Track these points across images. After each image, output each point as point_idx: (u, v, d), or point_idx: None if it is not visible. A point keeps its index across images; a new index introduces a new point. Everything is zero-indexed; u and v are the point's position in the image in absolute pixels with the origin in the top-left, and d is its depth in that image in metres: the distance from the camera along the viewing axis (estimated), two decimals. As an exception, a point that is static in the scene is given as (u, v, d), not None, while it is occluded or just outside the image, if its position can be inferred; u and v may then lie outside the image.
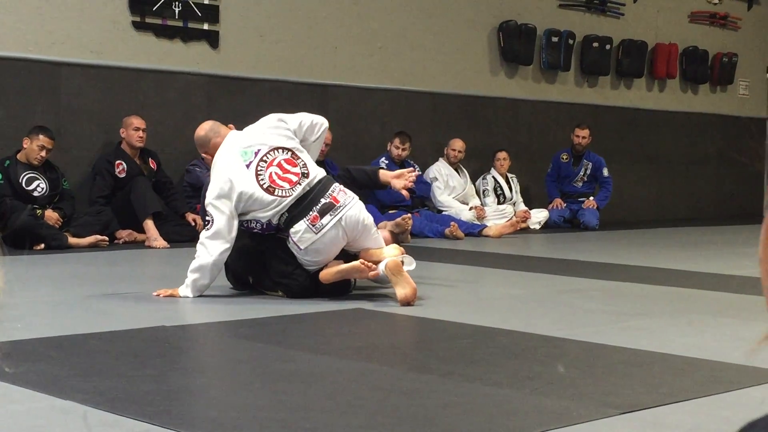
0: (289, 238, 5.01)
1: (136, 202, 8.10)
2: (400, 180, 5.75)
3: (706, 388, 3.24)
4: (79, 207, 8.19)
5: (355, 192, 5.64)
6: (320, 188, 5.09)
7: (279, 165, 5.05)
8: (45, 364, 3.36)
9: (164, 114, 8.99)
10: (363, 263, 5.01)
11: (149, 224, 8.00)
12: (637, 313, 4.91)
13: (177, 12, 9.05)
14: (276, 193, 5.01)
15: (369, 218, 5.20)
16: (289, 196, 5.01)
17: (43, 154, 7.80)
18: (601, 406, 2.92)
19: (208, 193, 5.03)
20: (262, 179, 5.01)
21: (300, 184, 5.05)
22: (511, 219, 10.37)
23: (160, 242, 7.89)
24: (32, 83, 8.29)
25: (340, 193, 5.13)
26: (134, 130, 8.41)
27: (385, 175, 5.80)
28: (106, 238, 7.87)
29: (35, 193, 7.82)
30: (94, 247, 7.68)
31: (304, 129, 5.30)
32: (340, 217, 5.03)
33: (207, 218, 5.01)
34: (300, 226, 4.99)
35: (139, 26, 8.86)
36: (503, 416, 2.81)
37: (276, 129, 5.21)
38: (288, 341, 4.20)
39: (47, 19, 8.35)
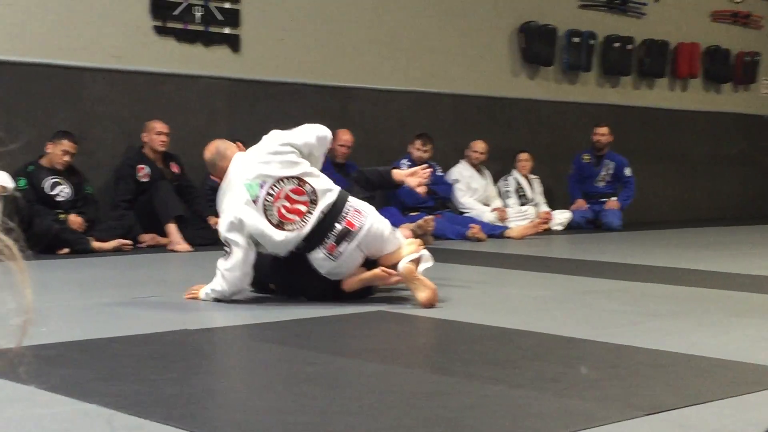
0: (308, 258, 4.99)
1: (158, 206, 8.14)
2: (414, 177, 5.70)
3: (731, 389, 3.22)
4: (103, 211, 8.23)
5: (371, 192, 5.65)
6: (333, 212, 4.94)
7: (286, 197, 4.90)
8: (69, 368, 3.38)
9: (186, 118, 9.02)
10: (383, 270, 4.99)
11: (172, 228, 8.03)
12: (661, 314, 4.88)
13: (198, 16, 9.08)
14: (287, 228, 4.88)
15: (386, 227, 5.10)
16: (301, 229, 4.89)
17: (67, 158, 7.84)
18: (625, 408, 2.91)
19: (220, 225, 4.96)
20: (271, 215, 4.87)
21: (311, 213, 4.90)
22: (533, 220, 10.34)
23: (183, 246, 7.91)
24: (55, 89, 8.33)
25: (354, 215, 4.97)
26: (157, 134, 8.44)
27: (398, 173, 5.73)
28: (130, 242, 7.91)
29: (59, 198, 7.86)
30: (117, 251, 7.71)
31: (311, 146, 5.12)
32: (358, 242, 4.97)
33: (225, 248, 4.93)
34: (317, 254, 4.93)
35: (160, 31, 8.90)
36: (527, 418, 2.80)
37: (280, 156, 4.99)
38: (311, 344, 4.20)
39: (69, 25, 8.40)
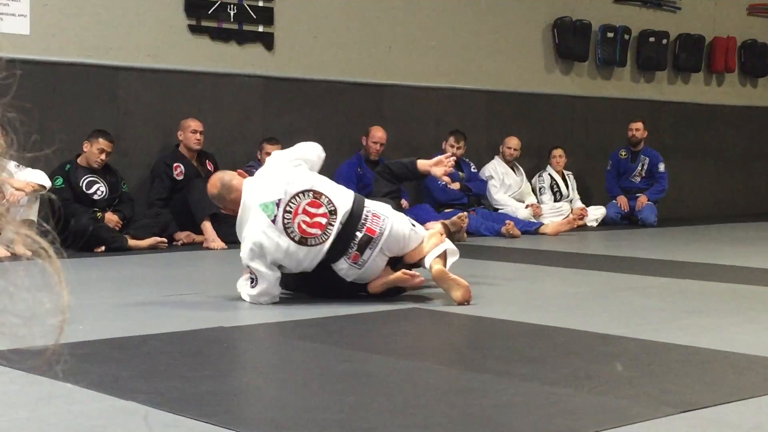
0: (333, 268, 4.99)
1: (193, 204, 8.18)
2: (438, 167, 5.69)
3: (767, 386, 3.20)
4: (138, 209, 8.29)
5: (397, 184, 5.68)
6: (353, 221, 4.89)
7: (305, 212, 4.83)
8: (106, 365, 3.41)
9: (220, 116, 9.06)
10: (404, 273, 4.98)
11: (207, 226, 8.07)
12: (697, 311, 4.86)
13: (232, 15, 9.12)
14: (309, 243, 4.83)
15: (406, 226, 5.05)
16: (324, 242, 4.86)
17: (103, 157, 7.91)
18: (659, 405, 2.89)
19: (242, 253, 4.88)
20: (292, 232, 4.81)
21: (332, 225, 4.85)
22: (567, 216, 10.30)
23: (218, 243, 7.95)
24: (91, 88, 8.40)
25: (373, 221, 4.92)
26: (192, 132, 8.49)
27: (423, 164, 5.70)
28: (165, 240, 7.96)
29: (95, 197, 7.93)
30: (153, 249, 7.76)
31: (313, 163, 5.10)
32: (381, 247, 4.94)
33: (250, 276, 4.87)
34: (342, 264, 4.92)
35: (194, 29, 8.95)
36: (561, 415, 2.79)
37: (291, 171, 4.93)
38: (345, 341, 4.21)
39: (105, 24, 8.46)
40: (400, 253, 5.06)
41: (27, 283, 0.61)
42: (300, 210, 4.82)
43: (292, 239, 4.81)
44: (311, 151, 5.16)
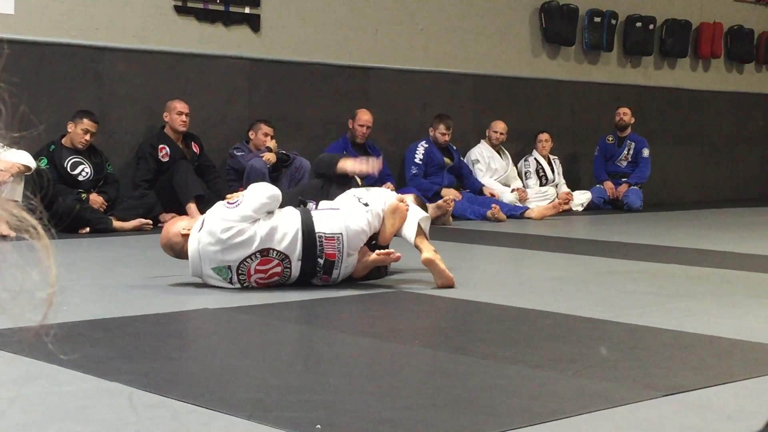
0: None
1: (178, 186, 8.17)
2: (355, 164, 5.69)
3: (750, 370, 3.22)
4: (123, 191, 8.27)
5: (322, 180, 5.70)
6: (309, 253, 4.79)
7: (257, 271, 4.74)
8: (91, 347, 3.40)
9: (206, 98, 9.04)
10: (379, 254, 4.97)
11: (192, 208, 8.05)
12: (681, 295, 4.87)
13: (218, -4, 9.07)
14: (275, 281, 4.81)
15: (361, 220, 4.89)
16: (288, 279, 4.83)
17: (87, 137, 7.87)
18: (644, 389, 2.91)
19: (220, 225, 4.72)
20: (251, 286, 4.77)
21: (288, 267, 4.78)
22: (553, 201, 10.32)
23: (203, 225, 7.93)
24: (76, 68, 8.36)
25: (328, 244, 4.81)
26: (177, 114, 8.46)
27: (342, 165, 5.68)
28: (150, 222, 7.94)
29: (80, 178, 7.90)
30: (138, 230, 7.74)
31: (266, 206, 4.78)
32: (345, 257, 4.87)
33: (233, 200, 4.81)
34: (316, 281, 4.91)
35: (180, 10, 8.90)
36: (545, 398, 2.80)
37: (231, 244, 4.69)
38: (330, 324, 4.21)
39: (90, 4, 8.41)
40: (366, 242, 5.03)
41: (15, 258, 0.61)
42: (252, 271, 4.73)
43: (255, 286, 4.80)
44: (261, 196, 4.76)
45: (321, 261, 4.83)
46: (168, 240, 4.90)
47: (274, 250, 4.73)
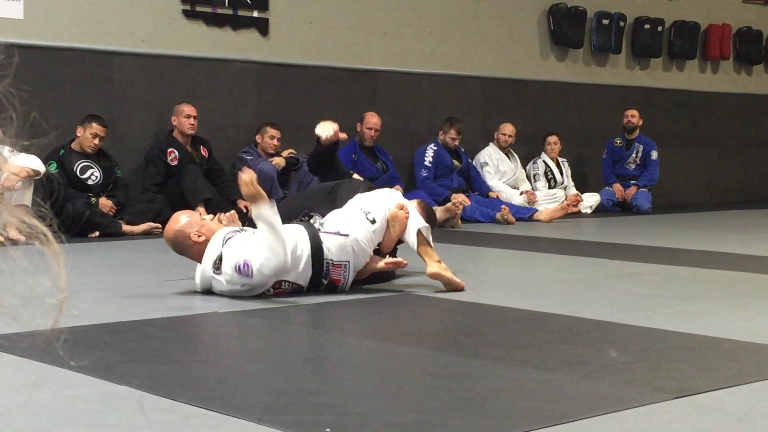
0: None
1: (187, 190, 8.18)
2: (324, 127, 5.86)
3: (760, 372, 3.21)
4: (133, 195, 8.28)
5: (321, 171, 5.89)
6: (316, 277, 4.77)
7: (273, 295, 4.69)
8: (101, 350, 3.41)
9: (215, 102, 9.05)
10: (388, 263, 4.98)
11: (201, 211, 8.06)
12: (690, 298, 4.86)
13: (227, 0, 9.09)
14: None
15: (366, 246, 4.88)
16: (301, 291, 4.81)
17: (96, 142, 7.89)
18: (653, 391, 2.90)
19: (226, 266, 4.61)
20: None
21: (303, 287, 4.77)
22: (561, 203, 10.31)
23: (212, 229, 7.94)
24: (85, 73, 8.38)
25: (335, 270, 4.80)
26: (185, 117, 8.48)
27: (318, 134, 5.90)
28: (159, 226, 7.94)
29: (89, 182, 7.91)
30: (147, 234, 7.75)
31: (269, 278, 4.64)
32: (351, 277, 4.87)
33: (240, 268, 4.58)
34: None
35: (189, 15, 8.92)
36: (555, 401, 2.80)
37: (243, 292, 4.62)
38: (339, 327, 4.22)
39: (99, 9, 8.43)
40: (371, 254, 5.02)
41: (26, 265, 0.61)
42: (269, 295, 4.70)
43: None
44: (265, 275, 4.58)
45: (325, 282, 4.82)
46: (174, 237, 4.79)
47: (286, 281, 4.72)
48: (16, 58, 0.63)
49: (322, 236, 4.82)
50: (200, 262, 4.70)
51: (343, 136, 6.05)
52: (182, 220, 4.83)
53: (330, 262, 4.80)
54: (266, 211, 4.47)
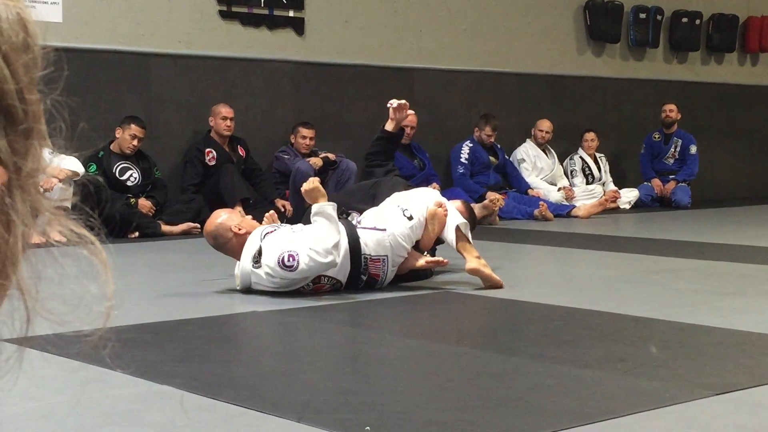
0: None
1: (224, 190, 8.22)
2: (397, 111, 5.74)
3: (802, 368, 3.18)
4: (171, 195, 8.34)
5: (389, 160, 5.83)
6: (355, 273, 4.80)
7: (312, 291, 4.74)
8: (142, 350, 3.44)
9: (252, 101, 9.09)
10: (429, 262, 5.00)
11: (239, 210, 8.11)
12: (731, 293, 4.83)
13: (262, 0, 9.13)
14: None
15: (404, 242, 4.89)
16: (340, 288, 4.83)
17: (135, 143, 7.95)
18: (694, 388, 2.89)
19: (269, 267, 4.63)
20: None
21: (339, 285, 4.80)
22: (599, 198, 10.26)
23: (251, 228, 7.98)
24: (123, 74, 8.45)
25: (373, 265, 4.83)
26: (222, 119, 8.52)
27: (389, 124, 5.82)
28: (198, 226, 7.99)
29: (129, 183, 7.98)
30: (186, 234, 7.81)
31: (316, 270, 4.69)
32: (387, 277, 4.89)
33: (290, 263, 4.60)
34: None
35: (225, 15, 8.97)
36: (594, 398, 2.79)
37: (282, 287, 4.68)
38: (378, 325, 4.23)
39: (136, 11, 8.50)
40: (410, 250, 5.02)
41: (74, 272, 0.63)
42: (308, 290, 4.74)
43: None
44: (313, 270, 4.64)
45: (364, 278, 4.86)
46: (215, 230, 4.83)
47: (326, 276, 4.74)
48: (66, 71, 0.64)
49: (360, 231, 4.85)
50: (238, 258, 4.73)
51: (411, 114, 6.02)
52: (223, 215, 4.92)
53: (368, 257, 4.83)
54: (327, 208, 4.58)
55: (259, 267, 4.62)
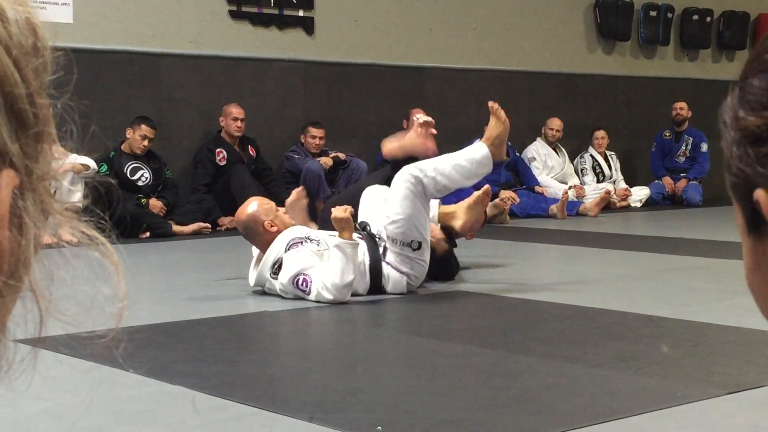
0: None
1: (235, 190, 8.23)
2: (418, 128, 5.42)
3: (815, 366, 3.17)
4: (182, 195, 8.35)
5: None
6: (376, 287, 4.75)
7: None
8: (154, 350, 3.45)
9: (262, 101, 9.10)
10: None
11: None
12: (742, 291, 4.78)
13: (272, 0, 9.14)
14: None
15: (416, 275, 4.83)
16: None
17: (146, 143, 7.97)
18: (706, 386, 2.88)
19: (285, 276, 4.58)
20: None
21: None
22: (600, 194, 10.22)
23: (261, 228, 7.99)
24: (133, 75, 8.46)
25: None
26: (232, 120, 8.53)
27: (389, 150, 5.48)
28: (209, 225, 8.01)
29: (140, 183, 8.00)
30: (197, 234, 7.82)
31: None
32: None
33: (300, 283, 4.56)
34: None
35: (235, 15, 8.98)
36: (606, 397, 2.79)
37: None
38: (389, 324, 4.23)
39: (146, 11, 8.52)
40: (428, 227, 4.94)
41: (87, 273, 0.63)
42: None
43: None
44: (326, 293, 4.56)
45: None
46: (248, 220, 4.80)
47: None
48: (76, 73, 0.64)
49: (383, 264, 4.79)
50: (264, 251, 4.70)
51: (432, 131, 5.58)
52: (257, 205, 4.86)
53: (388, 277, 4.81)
54: (348, 249, 4.47)
55: (276, 279, 4.60)
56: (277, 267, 4.59)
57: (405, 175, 4.78)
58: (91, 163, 7.23)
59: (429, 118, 5.55)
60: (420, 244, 4.76)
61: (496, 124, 5.07)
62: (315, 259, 4.56)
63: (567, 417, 2.59)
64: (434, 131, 5.51)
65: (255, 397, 2.78)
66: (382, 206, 4.93)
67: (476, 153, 4.99)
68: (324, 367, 3.34)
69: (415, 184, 4.74)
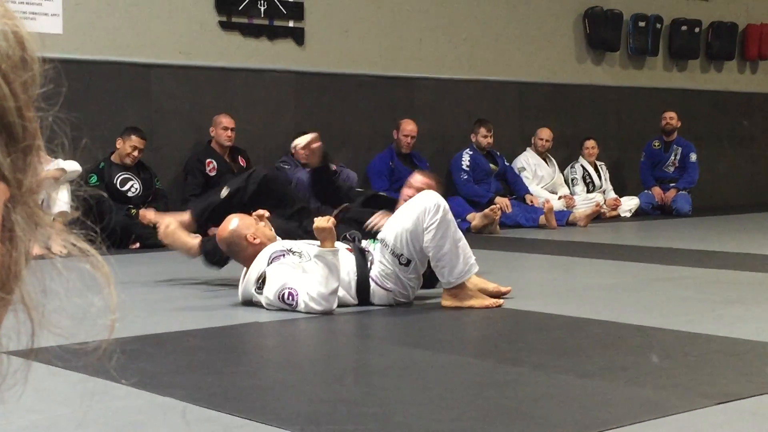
0: None
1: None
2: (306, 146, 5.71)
3: (805, 376, 3.18)
4: (172, 206, 8.33)
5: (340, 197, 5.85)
6: (363, 299, 4.76)
7: None
8: (144, 362, 3.44)
9: (252, 112, 9.10)
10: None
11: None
12: (732, 301, 4.83)
13: (262, 10, 9.14)
14: None
15: (403, 288, 4.80)
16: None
17: (136, 154, 7.96)
18: (696, 396, 2.89)
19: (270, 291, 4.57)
20: None
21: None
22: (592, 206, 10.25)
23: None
24: (123, 85, 8.46)
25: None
26: (223, 129, 8.53)
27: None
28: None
29: (129, 194, 7.99)
30: (187, 244, 7.80)
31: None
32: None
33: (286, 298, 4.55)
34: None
35: (225, 26, 8.98)
36: (597, 407, 2.79)
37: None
38: (379, 335, 4.23)
39: (136, 22, 8.51)
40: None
41: (78, 285, 0.63)
42: None
43: None
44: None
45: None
46: (230, 237, 4.81)
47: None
48: (65, 87, 0.64)
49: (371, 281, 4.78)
50: (248, 266, 4.70)
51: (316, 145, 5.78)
52: (238, 221, 4.87)
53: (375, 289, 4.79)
54: (329, 257, 4.46)
55: (261, 294, 4.60)
56: (261, 281, 4.59)
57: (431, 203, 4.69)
58: (75, 165, 7.12)
59: (307, 140, 5.75)
60: (409, 261, 4.71)
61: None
62: (298, 272, 4.56)
63: (558, 427, 2.59)
64: (317, 144, 5.73)
65: (245, 409, 2.77)
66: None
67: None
68: (314, 378, 3.34)
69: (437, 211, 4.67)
